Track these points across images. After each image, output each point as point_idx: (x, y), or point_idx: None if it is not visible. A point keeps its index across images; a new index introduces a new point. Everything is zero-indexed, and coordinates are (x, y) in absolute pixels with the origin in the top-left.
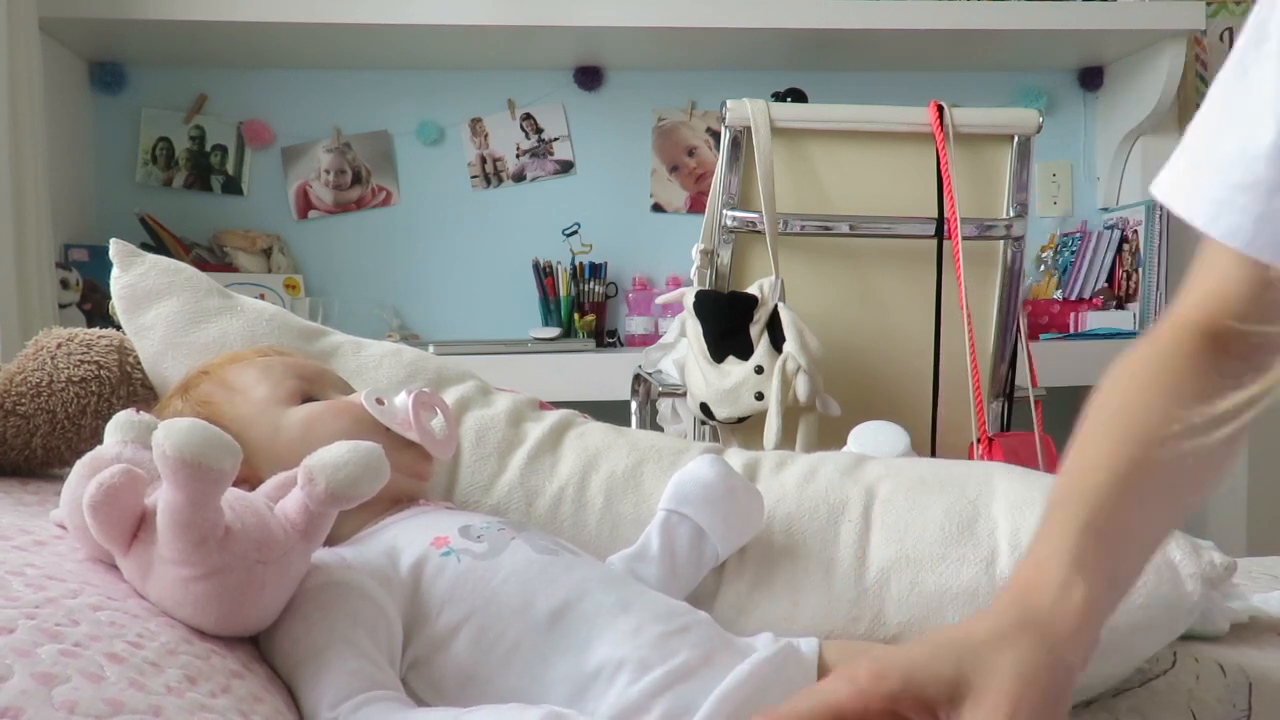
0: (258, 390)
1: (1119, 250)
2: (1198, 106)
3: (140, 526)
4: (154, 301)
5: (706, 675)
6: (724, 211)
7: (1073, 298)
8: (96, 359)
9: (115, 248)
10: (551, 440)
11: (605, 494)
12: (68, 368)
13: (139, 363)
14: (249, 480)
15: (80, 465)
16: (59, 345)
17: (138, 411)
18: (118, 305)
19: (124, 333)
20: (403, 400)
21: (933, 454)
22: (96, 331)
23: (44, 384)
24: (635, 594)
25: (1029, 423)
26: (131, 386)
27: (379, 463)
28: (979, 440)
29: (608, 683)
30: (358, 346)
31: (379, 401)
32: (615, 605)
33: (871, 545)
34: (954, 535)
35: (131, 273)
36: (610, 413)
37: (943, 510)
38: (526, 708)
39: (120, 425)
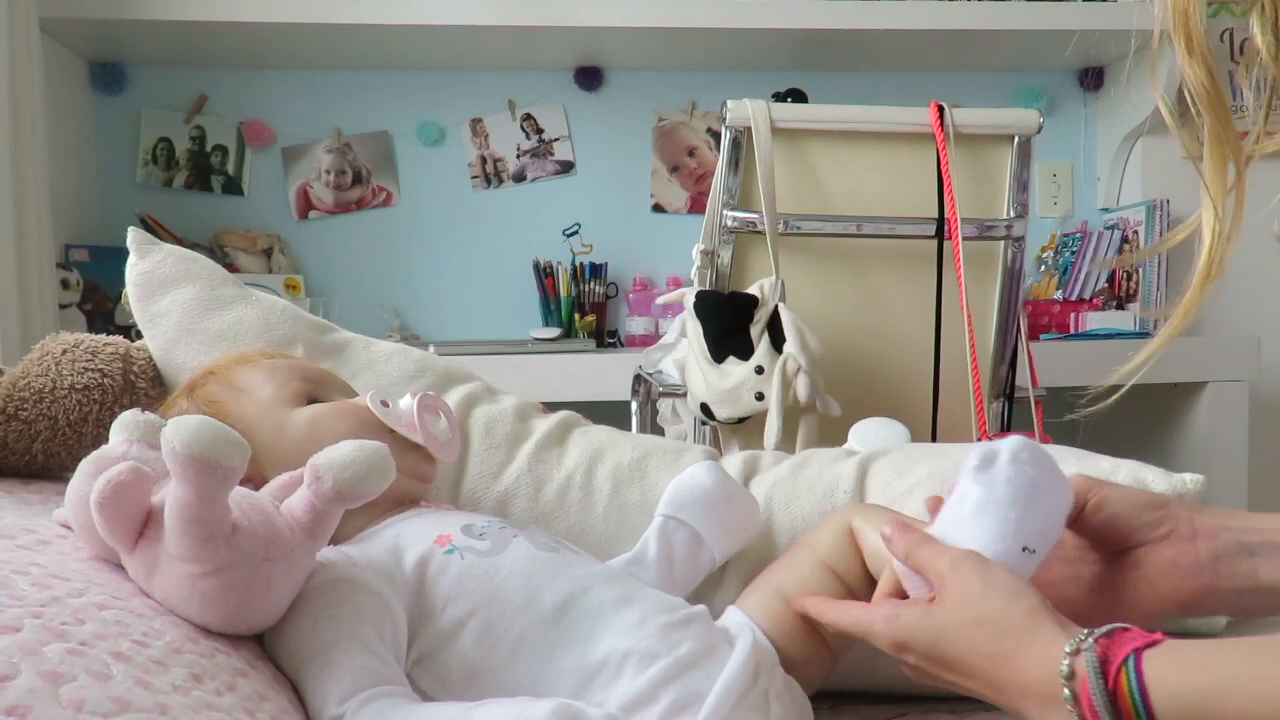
0: (263, 391)
1: (1119, 251)
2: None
3: (147, 524)
4: (169, 288)
5: (710, 665)
6: (724, 212)
7: (1073, 298)
8: (100, 366)
9: (133, 236)
10: (558, 435)
11: (612, 482)
12: (71, 374)
13: (143, 371)
14: (254, 480)
15: (85, 464)
16: (64, 351)
17: (143, 412)
18: (131, 292)
19: (130, 327)
20: (407, 403)
21: None
22: (102, 339)
23: (47, 390)
24: (636, 588)
25: (1029, 423)
26: (135, 395)
27: (385, 461)
28: (979, 440)
29: (614, 674)
30: (367, 343)
31: (384, 404)
32: (618, 598)
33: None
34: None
35: (148, 260)
36: (610, 413)
37: (927, 472)
38: (535, 700)
39: (125, 425)
